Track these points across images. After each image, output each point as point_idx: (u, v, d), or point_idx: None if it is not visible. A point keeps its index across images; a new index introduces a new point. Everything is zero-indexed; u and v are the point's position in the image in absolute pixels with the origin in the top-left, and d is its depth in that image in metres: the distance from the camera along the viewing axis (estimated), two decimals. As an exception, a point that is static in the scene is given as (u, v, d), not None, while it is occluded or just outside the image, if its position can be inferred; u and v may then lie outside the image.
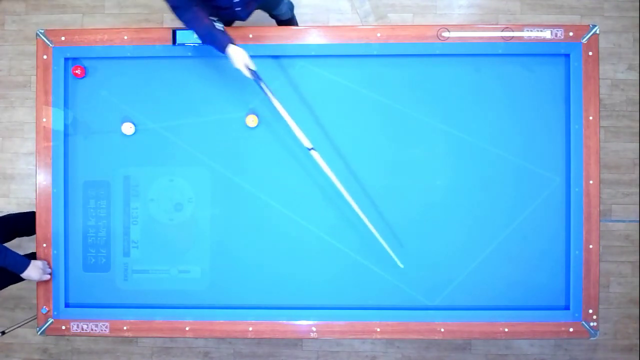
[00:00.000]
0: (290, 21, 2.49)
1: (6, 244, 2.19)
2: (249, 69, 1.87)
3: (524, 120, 2.04)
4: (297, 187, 2.07)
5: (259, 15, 2.42)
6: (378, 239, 1.97)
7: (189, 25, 1.86)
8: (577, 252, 2.01)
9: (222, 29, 1.88)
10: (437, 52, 2.03)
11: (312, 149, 1.93)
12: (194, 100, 2.08)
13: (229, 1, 1.88)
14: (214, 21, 1.87)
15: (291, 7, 2.42)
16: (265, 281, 2.07)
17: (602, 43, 2.72)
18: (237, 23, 2.14)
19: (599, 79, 2.01)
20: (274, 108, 1.92)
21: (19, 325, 2.38)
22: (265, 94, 1.91)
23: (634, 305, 2.87)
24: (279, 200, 2.06)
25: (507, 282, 2.04)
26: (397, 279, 2.04)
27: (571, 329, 2.00)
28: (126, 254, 2.09)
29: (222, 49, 1.86)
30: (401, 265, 2.00)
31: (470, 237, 2.04)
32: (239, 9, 1.92)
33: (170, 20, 2.93)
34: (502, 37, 2.02)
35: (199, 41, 2.02)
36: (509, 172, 2.04)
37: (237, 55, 1.86)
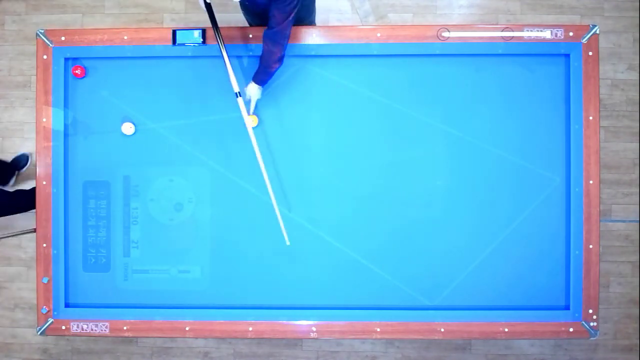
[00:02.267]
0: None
1: None
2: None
3: (524, 121, 2.04)
4: (297, 186, 2.07)
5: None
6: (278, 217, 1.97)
7: (282, 62, 1.90)
8: (577, 252, 2.01)
9: None
10: (437, 52, 2.03)
11: (238, 94, 1.91)
12: (194, 100, 2.08)
13: None
14: None
15: None
16: (265, 281, 2.07)
17: (602, 43, 2.72)
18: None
19: (599, 79, 2.01)
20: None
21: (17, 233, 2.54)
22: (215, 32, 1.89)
23: (634, 305, 2.87)
24: (279, 200, 2.06)
25: (507, 282, 2.04)
26: (397, 279, 2.04)
27: (571, 329, 2.00)
28: (126, 254, 2.09)
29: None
30: (288, 243, 2.00)
31: (470, 237, 2.04)
32: None
33: (170, 20, 2.94)
34: (502, 37, 2.02)
35: (199, 41, 2.02)
36: (509, 172, 2.04)
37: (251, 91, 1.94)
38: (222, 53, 1.88)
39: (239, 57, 2.06)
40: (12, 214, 2.66)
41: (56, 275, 2.06)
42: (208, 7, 1.86)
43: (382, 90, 2.06)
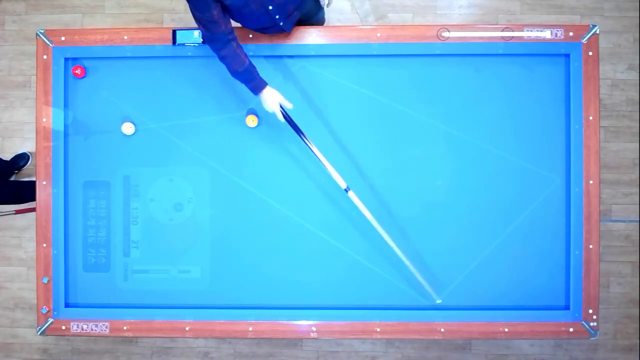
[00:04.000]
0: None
1: None
2: (282, 111, 1.87)
3: (524, 120, 2.04)
4: (297, 187, 2.07)
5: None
6: (413, 272, 1.97)
7: (224, 61, 1.79)
8: (577, 252, 2.00)
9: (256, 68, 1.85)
10: (437, 52, 2.03)
11: (348, 189, 1.92)
12: (194, 100, 2.08)
13: (272, 20, 1.83)
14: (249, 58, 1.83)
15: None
16: (265, 281, 2.07)
17: (602, 43, 2.72)
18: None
19: (599, 79, 2.01)
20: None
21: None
22: (299, 135, 1.91)
23: (634, 305, 2.87)
24: (279, 200, 2.06)
25: (507, 282, 2.04)
26: (397, 279, 2.04)
27: (571, 329, 2.00)
28: (126, 254, 2.09)
29: (257, 90, 1.85)
30: (438, 300, 2.01)
31: (470, 237, 2.04)
32: (282, 23, 1.87)
33: (170, 20, 2.94)
34: (502, 37, 2.02)
35: (199, 41, 2.02)
36: (509, 172, 2.04)
37: (273, 98, 1.85)
38: (316, 155, 1.90)
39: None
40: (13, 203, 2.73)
41: (56, 275, 2.06)
42: (287, 118, 1.88)
43: (382, 90, 2.06)
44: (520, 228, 2.04)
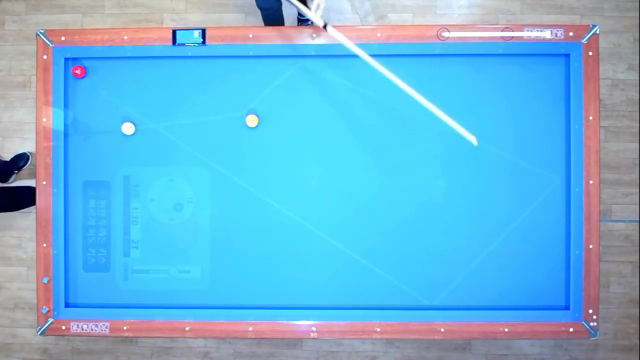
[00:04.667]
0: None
1: None
2: None
3: (524, 120, 2.04)
4: (297, 187, 2.07)
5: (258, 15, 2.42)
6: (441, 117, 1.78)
7: None
8: (577, 252, 2.01)
9: None
10: (437, 52, 2.03)
11: (326, 24, 1.79)
12: (194, 100, 2.08)
13: None
14: None
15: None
16: (265, 281, 2.07)
17: (602, 43, 2.72)
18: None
19: (599, 79, 2.01)
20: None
21: None
22: None
23: (634, 305, 2.87)
24: (279, 200, 2.06)
25: (507, 282, 2.04)
26: (397, 279, 2.04)
27: (571, 329, 2.00)
28: (126, 254, 2.10)
29: None
30: (475, 142, 1.82)
31: (470, 237, 2.04)
32: None
33: (170, 20, 2.94)
34: (502, 37, 2.02)
35: (199, 41, 2.02)
36: (509, 172, 2.04)
37: None
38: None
39: (238, 57, 2.06)
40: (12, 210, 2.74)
41: (56, 275, 2.06)
42: None
43: (382, 90, 2.06)
44: (520, 228, 2.04)
